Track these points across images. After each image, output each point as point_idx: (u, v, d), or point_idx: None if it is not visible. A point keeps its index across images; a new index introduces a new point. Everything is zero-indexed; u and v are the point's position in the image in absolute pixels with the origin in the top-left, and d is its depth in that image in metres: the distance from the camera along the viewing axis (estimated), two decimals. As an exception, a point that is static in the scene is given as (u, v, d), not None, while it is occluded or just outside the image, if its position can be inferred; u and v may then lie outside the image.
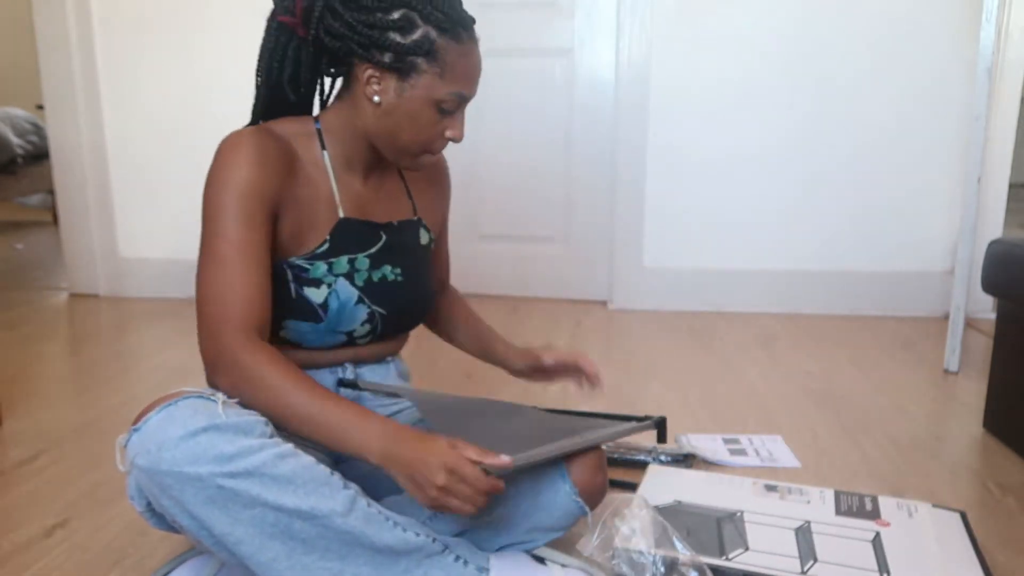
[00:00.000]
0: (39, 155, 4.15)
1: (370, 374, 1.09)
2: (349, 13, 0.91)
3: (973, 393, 1.75)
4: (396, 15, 0.90)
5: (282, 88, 0.99)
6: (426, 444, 0.82)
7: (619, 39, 2.43)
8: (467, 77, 0.95)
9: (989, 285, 1.47)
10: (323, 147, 1.00)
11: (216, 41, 2.58)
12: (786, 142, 2.43)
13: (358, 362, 1.08)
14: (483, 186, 2.67)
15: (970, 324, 2.34)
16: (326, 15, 0.92)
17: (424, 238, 1.11)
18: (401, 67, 0.92)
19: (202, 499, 0.77)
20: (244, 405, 0.86)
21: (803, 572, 0.98)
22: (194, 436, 0.77)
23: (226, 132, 2.64)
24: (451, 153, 2.66)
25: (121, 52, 2.63)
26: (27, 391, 1.78)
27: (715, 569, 0.98)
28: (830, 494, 1.19)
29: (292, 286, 0.97)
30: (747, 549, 1.03)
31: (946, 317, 2.39)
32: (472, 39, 0.95)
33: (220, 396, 0.83)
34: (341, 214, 1.00)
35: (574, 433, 0.97)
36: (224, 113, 2.63)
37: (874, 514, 1.13)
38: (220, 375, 0.87)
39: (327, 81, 1.04)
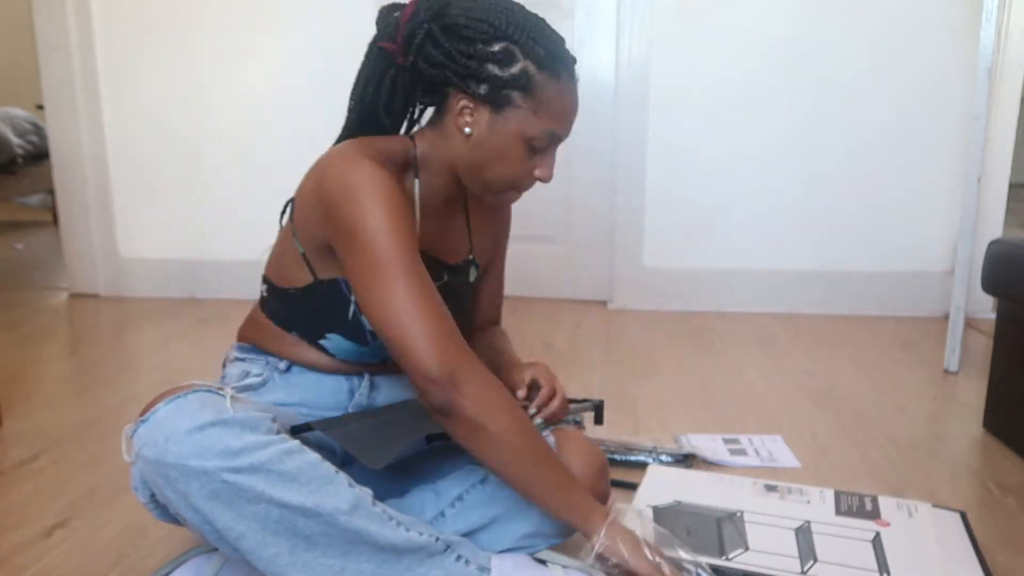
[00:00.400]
0: (39, 155, 4.15)
1: (386, 383, 1.09)
2: (450, 43, 0.91)
3: (973, 393, 1.75)
4: (497, 47, 0.90)
5: (376, 112, 0.98)
6: (635, 546, 0.87)
7: (619, 39, 2.43)
8: (562, 116, 0.94)
9: (989, 285, 1.47)
10: (415, 175, 0.99)
11: (216, 41, 2.58)
12: (786, 142, 2.43)
13: (376, 372, 1.07)
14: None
15: (970, 324, 2.34)
16: (427, 43, 0.92)
17: (472, 276, 1.11)
18: (496, 100, 0.91)
19: (207, 493, 0.77)
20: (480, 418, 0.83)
21: (803, 572, 0.98)
22: (201, 430, 0.77)
23: (225, 132, 2.65)
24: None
25: (121, 52, 2.63)
26: (27, 391, 1.78)
27: (715, 569, 0.98)
28: (830, 494, 1.19)
29: (352, 307, 0.97)
30: (747, 549, 1.03)
31: (946, 317, 2.39)
32: (571, 78, 0.94)
33: (228, 391, 0.84)
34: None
35: None
36: (223, 113, 2.63)
37: (874, 514, 1.13)
38: (462, 388, 0.82)
39: (418, 108, 1.03)
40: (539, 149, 0.94)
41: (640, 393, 1.75)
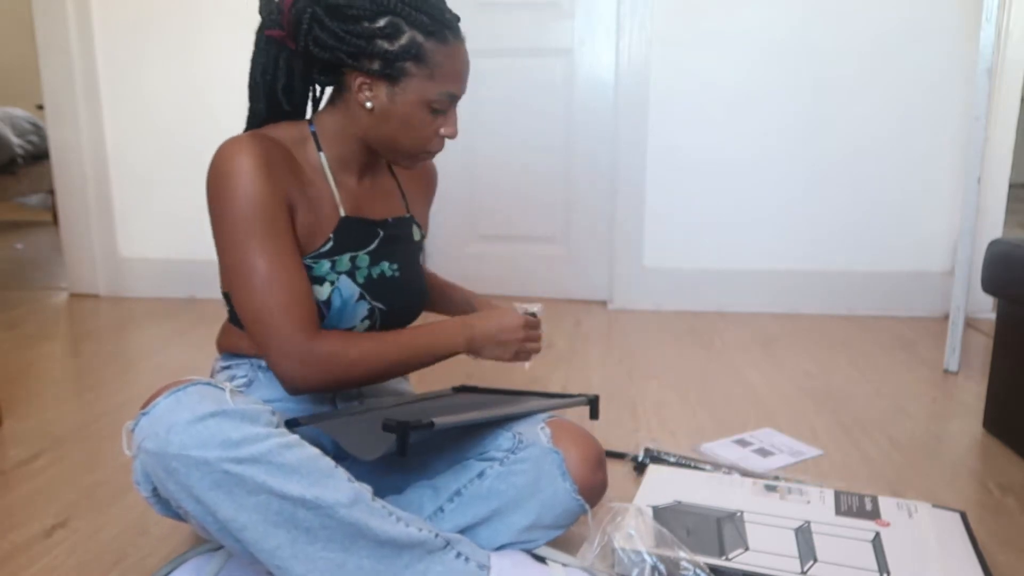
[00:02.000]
0: (39, 155, 4.15)
1: None
2: (336, 24, 0.93)
3: (973, 393, 1.75)
4: (382, 22, 0.92)
5: (276, 98, 1.01)
6: (497, 314, 1.05)
7: (619, 39, 2.43)
8: (456, 76, 0.97)
9: (989, 285, 1.47)
10: (319, 149, 1.02)
11: (216, 41, 2.58)
12: (786, 142, 2.43)
13: None
14: (483, 186, 2.67)
15: (970, 324, 2.34)
16: (314, 27, 0.93)
17: (416, 234, 1.13)
18: (391, 73, 0.94)
19: (208, 484, 0.77)
20: (345, 386, 0.95)
21: (803, 572, 0.98)
22: (202, 420, 0.77)
23: (226, 132, 2.65)
24: (451, 153, 2.66)
25: (121, 52, 2.63)
26: (27, 391, 1.78)
27: (715, 569, 0.98)
28: (830, 494, 1.19)
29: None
30: (747, 549, 1.03)
31: (946, 317, 2.39)
32: (458, 38, 0.97)
33: (228, 384, 0.84)
34: (342, 213, 1.02)
35: (506, 407, 1.02)
36: (223, 113, 2.63)
37: (874, 514, 1.13)
38: (310, 376, 0.92)
39: (319, 88, 1.05)
40: (440, 111, 0.98)
41: (640, 393, 1.75)
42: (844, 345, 2.14)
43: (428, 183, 1.21)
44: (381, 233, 1.06)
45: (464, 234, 2.71)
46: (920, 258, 2.45)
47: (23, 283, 3.06)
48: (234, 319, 1.06)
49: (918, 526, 1.10)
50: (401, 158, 1.02)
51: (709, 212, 2.50)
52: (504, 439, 0.99)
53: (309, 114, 1.06)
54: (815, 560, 1.01)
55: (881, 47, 2.33)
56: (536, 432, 0.98)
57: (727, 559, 1.00)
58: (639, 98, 2.45)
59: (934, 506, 1.16)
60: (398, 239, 1.08)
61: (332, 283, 1.00)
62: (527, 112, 2.58)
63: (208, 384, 0.83)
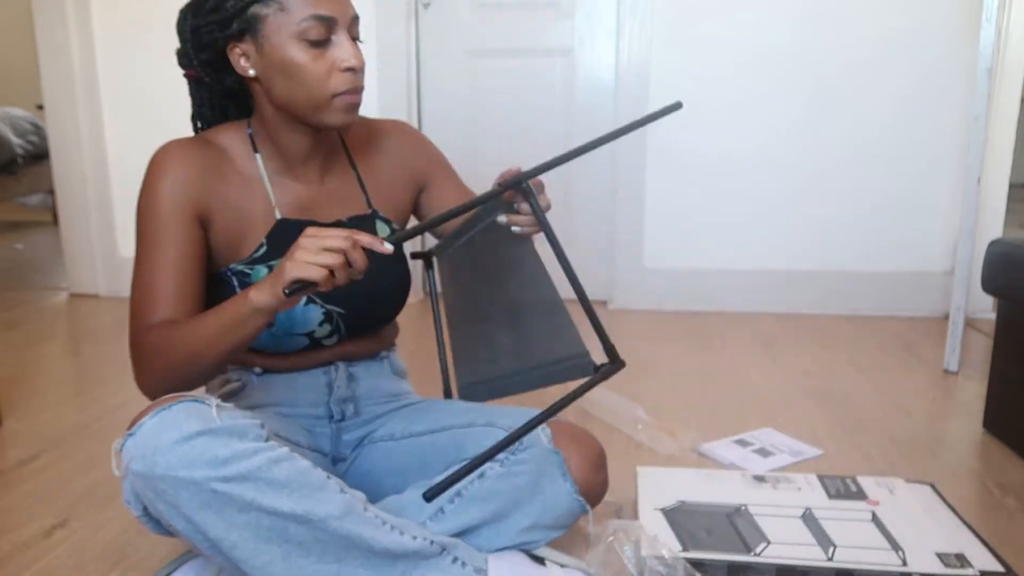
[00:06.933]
0: (39, 155, 4.15)
1: (364, 372, 1.09)
2: (199, 18, 0.94)
3: (973, 393, 1.75)
4: None
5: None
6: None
7: (619, 39, 2.43)
8: None
9: (989, 285, 1.47)
10: (255, 150, 1.01)
11: (216, 41, 2.58)
12: (786, 142, 2.43)
13: (349, 359, 1.08)
14: (483, 186, 2.66)
15: (970, 324, 2.34)
16: (190, 39, 0.96)
17: (382, 231, 1.08)
18: (247, 27, 0.91)
19: (197, 503, 0.77)
20: (175, 379, 0.88)
21: (829, 559, 0.99)
22: (188, 440, 0.77)
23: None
24: (451, 152, 2.65)
25: (121, 52, 2.63)
26: (27, 391, 1.78)
27: (748, 566, 0.99)
28: (814, 479, 1.23)
29: (238, 291, 0.97)
30: (769, 542, 1.03)
31: (946, 317, 2.39)
32: None
33: (214, 400, 0.83)
34: (278, 215, 1.00)
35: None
36: (224, 113, 2.63)
37: (861, 495, 1.17)
38: (141, 369, 0.91)
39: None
40: (320, 41, 0.90)
41: (640, 393, 1.75)
42: (844, 345, 2.14)
43: (397, 153, 1.11)
44: None
45: (464, 234, 2.70)
46: (920, 258, 2.45)
47: (23, 283, 3.05)
48: None
49: (902, 501, 1.15)
50: (320, 113, 0.93)
51: (709, 212, 2.50)
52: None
53: None
54: (834, 546, 1.03)
55: (881, 47, 2.33)
56: (536, 433, 0.98)
57: (755, 555, 1.00)
58: (639, 98, 2.45)
59: (907, 481, 1.22)
60: None
61: None
62: (527, 112, 2.58)
63: (194, 401, 0.81)
